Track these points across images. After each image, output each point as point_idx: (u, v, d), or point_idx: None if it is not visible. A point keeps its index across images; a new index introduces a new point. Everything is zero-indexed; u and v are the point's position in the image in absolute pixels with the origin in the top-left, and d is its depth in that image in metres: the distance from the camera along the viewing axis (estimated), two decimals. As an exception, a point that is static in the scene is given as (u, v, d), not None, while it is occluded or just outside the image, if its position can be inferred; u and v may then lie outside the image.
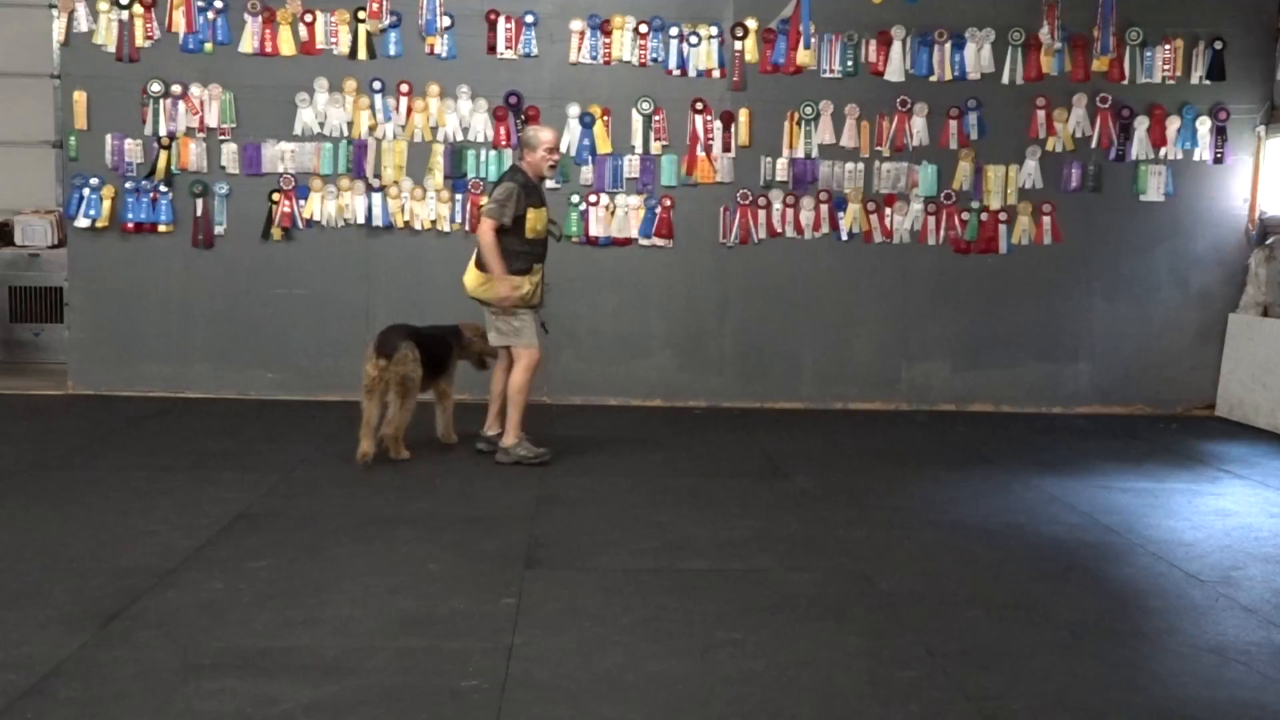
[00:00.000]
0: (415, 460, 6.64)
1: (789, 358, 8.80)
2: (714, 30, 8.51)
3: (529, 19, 8.44)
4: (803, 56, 8.42)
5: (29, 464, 6.29)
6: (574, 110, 8.46)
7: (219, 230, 8.47)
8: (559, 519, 5.44)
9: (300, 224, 8.48)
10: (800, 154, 8.59)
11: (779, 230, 8.66)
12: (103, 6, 8.28)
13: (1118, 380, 8.91)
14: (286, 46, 8.39)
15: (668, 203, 8.56)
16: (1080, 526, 5.60)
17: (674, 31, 8.49)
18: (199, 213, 8.42)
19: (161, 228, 8.43)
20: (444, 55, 8.44)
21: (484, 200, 7.11)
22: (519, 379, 6.49)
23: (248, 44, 8.36)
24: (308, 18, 8.38)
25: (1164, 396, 8.94)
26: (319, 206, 8.47)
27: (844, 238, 8.66)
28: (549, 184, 7.22)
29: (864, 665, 3.79)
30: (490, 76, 8.46)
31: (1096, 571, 4.91)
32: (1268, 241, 8.68)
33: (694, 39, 8.50)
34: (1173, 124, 8.70)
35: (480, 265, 6.47)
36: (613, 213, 8.57)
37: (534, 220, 6.42)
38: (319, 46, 8.41)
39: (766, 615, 4.22)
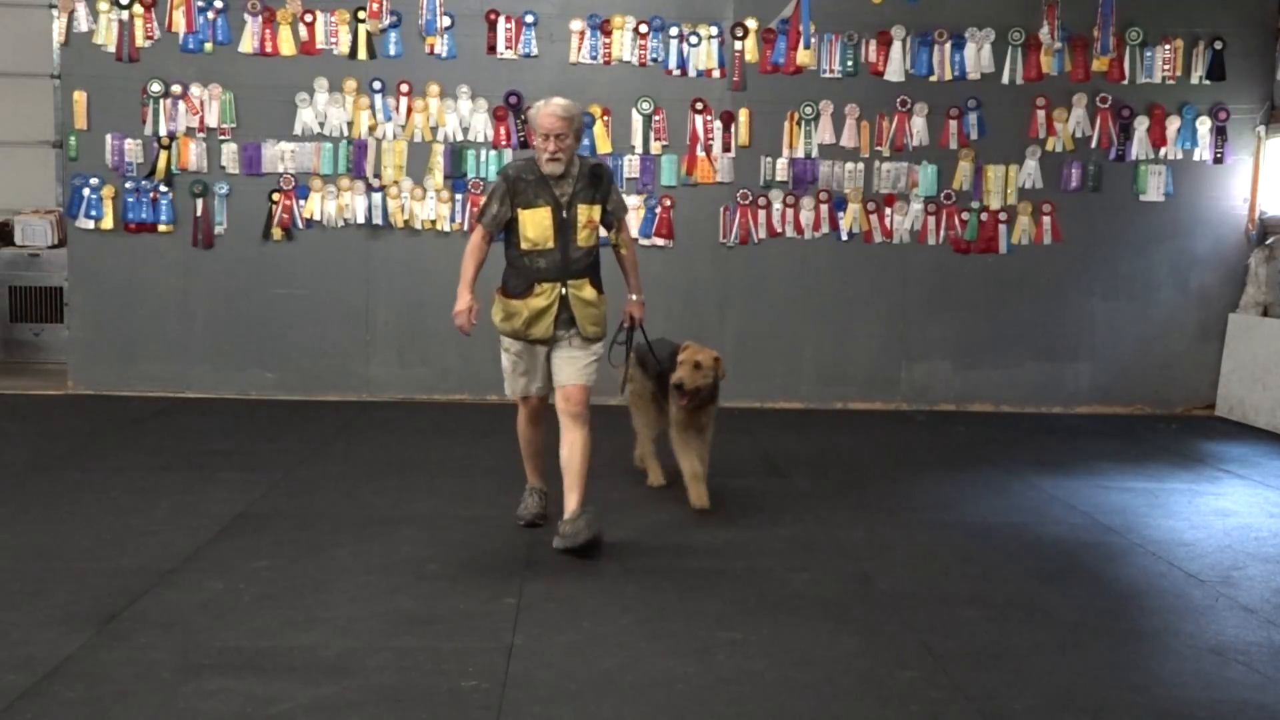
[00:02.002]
0: (415, 461, 6.64)
1: (789, 358, 8.80)
2: (714, 30, 8.51)
3: (529, 19, 8.45)
4: (803, 56, 8.42)
5: (29, 464, 6.29)
6: (574, 110, 8.46)
7: (219, 230, 8.47)
8: (559, 519, 5.43)
9: (300, 224, 8.48)
10: (800, 154, 8.60)
11: (779, 230, 8.66)
12: (103, 6, 8.28)
13: (1118, 380, 8.91)
14: (286, 46, 8.39)
15: (668, 203, 8.56)
16: (1080, 526, 5.60)
17: (674, 31, 8.49)
18: (199, 213, 8.43)
19: (161, 228, 8.43)
20: (444, 55, 8.44)
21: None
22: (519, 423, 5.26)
23: (248, 44, 8.36)
24: (308, 18, 8.39)
25: (1164, 396, 8.95)
26: (319, 206, 8.47)
27: (844, 238, 8.66)
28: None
29: (864, 665, 3.78)
30: (490, 76, 8.46)
31: (1096, 571, 4.91)
32: (1268, 241, 8.68)
33: (694, 39, 8.50)
34: (1173, 124, 8.70)
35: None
36: (613, 213, 8.57)
37: (526, 224, 4.86)
38: (319, 46, 8.41)
39: (766, 615, 4.22)
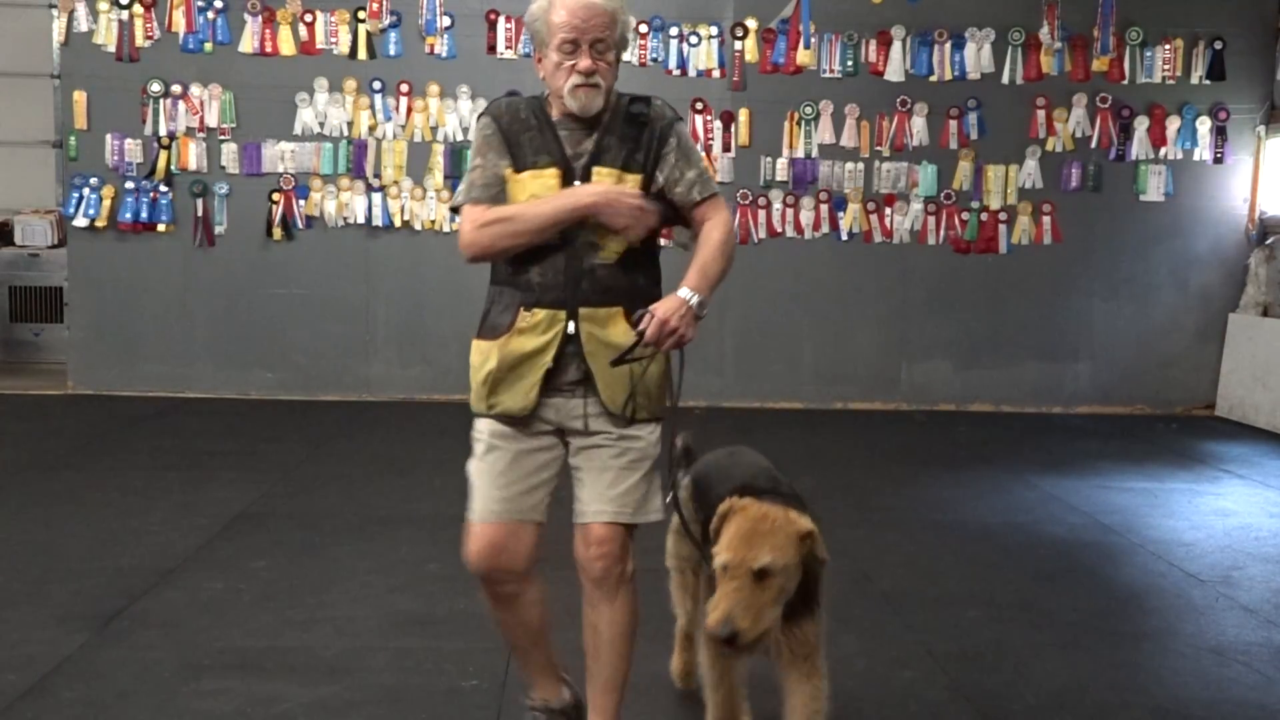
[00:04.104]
0: (415, 461, 6.64)
1: (789, 358, 8.80)
2: (714, 30, 8.51)
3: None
4: (803, 56, 8.42)
5: (29, 464, 6.29)
6: (574, 110, 8.46)
7: (219, 230, 8.47)
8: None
9: (300, 224, 8.48)
10: (800, 154, 8.59)
11: (779, 230, 8.66)
12: (103, 6, 8.28)
13: (1118, 380, 8.91)
14: (286, 46, 8.38)
15: (668, 203, 8.55)
16: (1080, 526, 5.60)
17: (674, 31, 8.49)
18: (199, 213, 8.42)
19: (161, 227, 8.43)
20: (444, 55, 8.44)
21: None
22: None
23: (248, 44, 8.36)
24: (308, 18, 8.38)
25: (1164, 396, 8.94)
26: (319, 206, 8.47)
27: (844, 238, 8.66)
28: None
29: (864, 665, 3.78)
30: (490, 76, 8.45)
31: (1096, 571, 4.91)
32: (1268, 241, 8.68)
33: (694, 39, 8.50)
34: (1173, 124, 8.69)
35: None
36: (613, 213, 8.56)
37: (517, 200, 2.78)
38: (319, 46, 8.41)
39: (766, 615, 4.21)
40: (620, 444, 2.81)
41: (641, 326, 2.72)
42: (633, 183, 2.80)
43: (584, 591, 2.86)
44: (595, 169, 2.77)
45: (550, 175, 2.77)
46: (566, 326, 2.74)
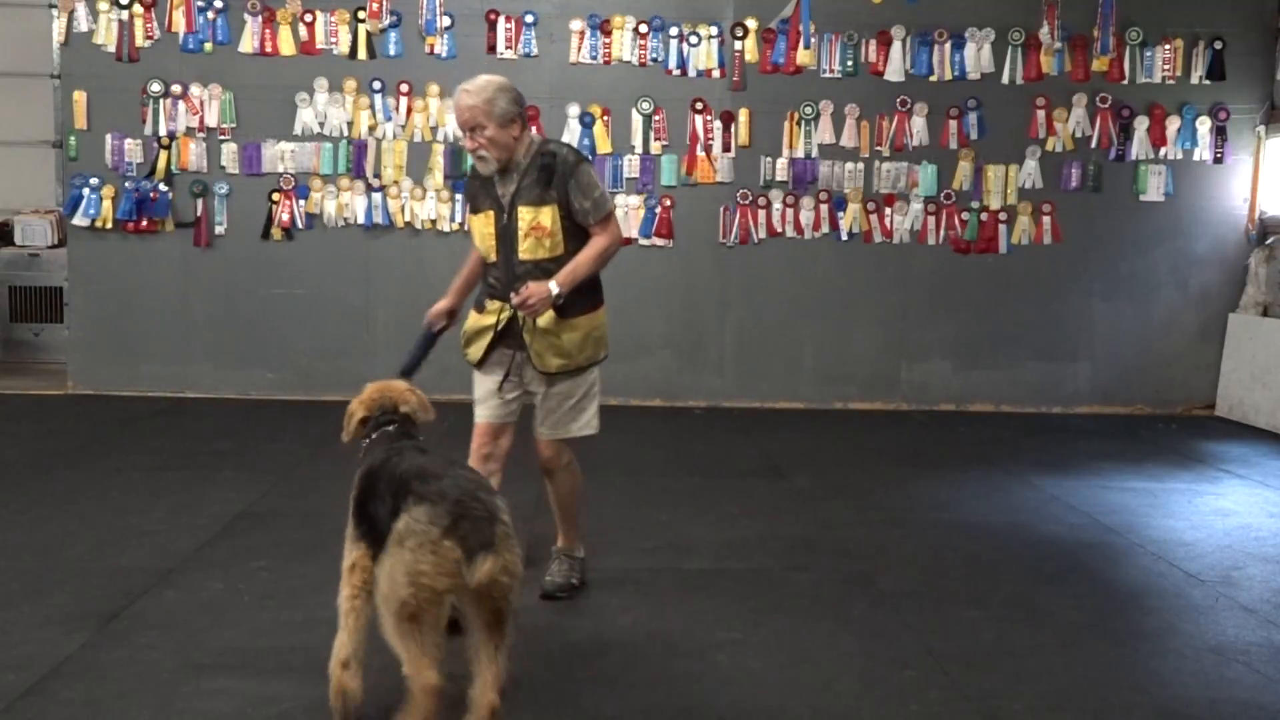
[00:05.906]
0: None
1: (789, 358, 8.80)
2: (714, 30, 8.51)
3: (529, 19, 8.45)
4: (803, 56, 8.43)
5: (29, 464, 6.29)
6: (574, 110, 8.47)
7: (219, 230, 8.47)
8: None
9: (300, 224, 8.48)
10: (800, 154, 8.60)
11: (779, 230, 8.66)
12: (103, 6, 8.28)
13: (1118, 380, 8.91)
14: (286, 46, 8.39)
15: (667, 202, 8.56)
16: (1080, 526, 5.60)
17: (674, 31, 8.50)
18: (199, 213, 8.43)
19: (162, 228, 8.44)
20: (444, 55, 8.44)
21: None
22: None
23: (248, 44, 8.36)
24: (308, 18, 8.39)
25: (1164, 396, 8.94)
26: (319, 206, 8.47)
27: (844, 238, 8.66)
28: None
29: (864, 665, 3.79)
30: (490, 76, 8.45)
31: (1096, 571, 4.91)
32: (1268, 241, 8.68)
33: (694, 39, 8.50)
34: (1173, 124, 8.70)
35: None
36: (613, 213, 8.56)
37: (473, 233, 4.30)
38: (319, 46, 8.41)
39: (766, 615, 4.22)
40: (552, 390, 4.24)
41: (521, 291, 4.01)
42: (548, 212, 4.05)
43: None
44: (519, 206, 4.05)
45: (488, 215, 4.15)
46: (503, 312, 4.16)
